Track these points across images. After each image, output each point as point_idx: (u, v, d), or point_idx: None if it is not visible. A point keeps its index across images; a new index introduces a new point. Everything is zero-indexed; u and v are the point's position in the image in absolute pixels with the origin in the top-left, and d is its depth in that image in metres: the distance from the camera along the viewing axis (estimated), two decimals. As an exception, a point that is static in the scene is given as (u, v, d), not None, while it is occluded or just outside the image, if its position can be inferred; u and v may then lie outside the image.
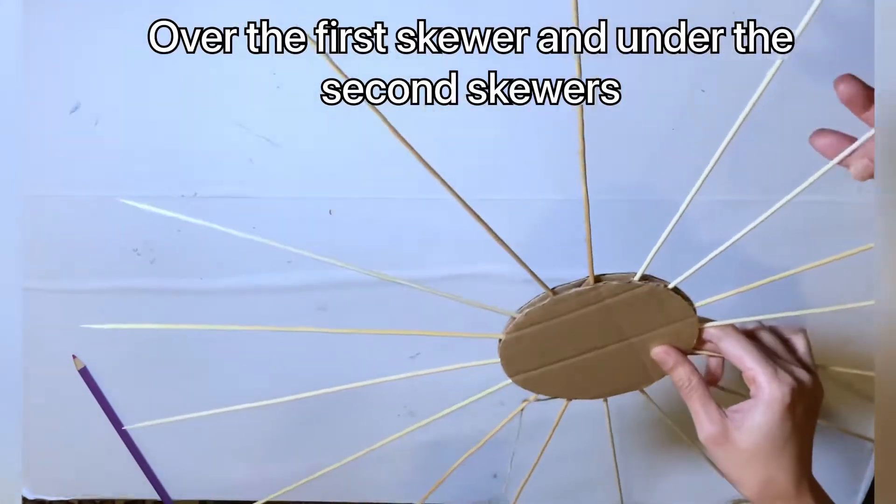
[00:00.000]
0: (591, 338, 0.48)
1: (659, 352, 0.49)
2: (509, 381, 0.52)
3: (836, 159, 0.41)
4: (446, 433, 0.80)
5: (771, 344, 0.49)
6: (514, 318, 0.48)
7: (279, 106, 0.70)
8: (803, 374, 0.46)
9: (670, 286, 0.47)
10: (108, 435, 0.83)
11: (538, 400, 0.53)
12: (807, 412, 0.46)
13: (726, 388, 0.52)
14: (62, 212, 0.73)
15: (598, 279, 0.46)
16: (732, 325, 0.48)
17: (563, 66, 0.42)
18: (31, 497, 0.87)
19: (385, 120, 0.37)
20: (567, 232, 0.71)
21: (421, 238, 0.73)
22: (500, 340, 0.49)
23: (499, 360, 0.50)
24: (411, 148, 0.38)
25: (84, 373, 0.80)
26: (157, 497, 0.86)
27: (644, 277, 0.46)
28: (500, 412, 0.79)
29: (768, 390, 0.45)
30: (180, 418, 0.45)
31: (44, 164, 0.71)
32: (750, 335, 0.49)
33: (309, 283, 0.74)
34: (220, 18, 0.70)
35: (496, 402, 0.80)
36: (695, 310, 0.48)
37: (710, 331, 0.49)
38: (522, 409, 0.54)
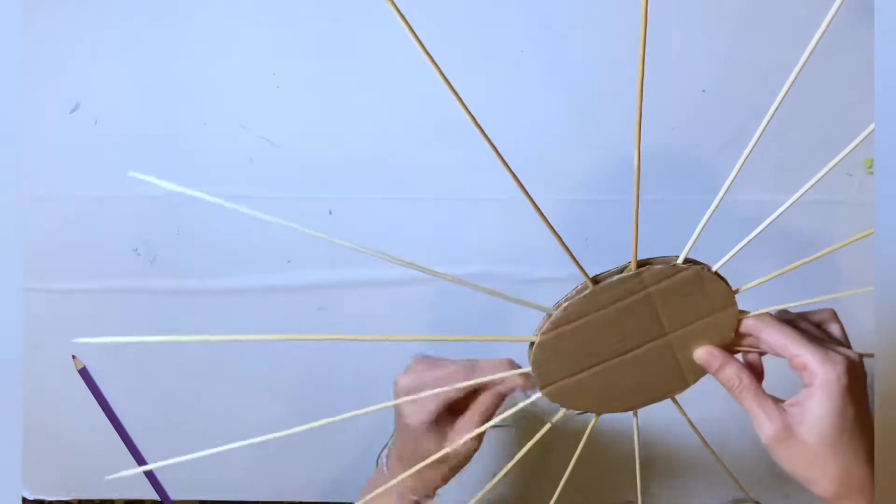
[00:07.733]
0: (631, 335, 0.44)
1: (703, 354, 0.45)
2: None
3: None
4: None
5: (810, 329, 0.46)
6: (549, 315, 0.43)
7: (279, 106, 0.70)
8: (852, 353, 0.43)
9: (713, 269, 0.44)
10: (108, 435, 0.83)
11: (566, 416, 0.47)
12: (865, 393, 0.42)
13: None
14: (62, 212, 0.73)
15: (640, 265, 0.43)
16: (769, 314, 0.45)
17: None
18: (30, 497, 0.87)
19: (472, 118, 0.35)
20: (567, 232, 0.71)
21: (420, 238, 0.73)
22: (531, 344, 0.44)
23: (527, 369, 0.45)
24: (495, 149, 0.36)
25: (84, 373, 0.80)
26: (156, 497, 0.86)
27: (687, 261, 0.44)
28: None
29: (822, 373, 0.41)
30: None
31: (44, 164, 0.72)
32: (787, 323, 0.45)
33: (309, 283, 0.74)
34: (219, 18, 0.70)
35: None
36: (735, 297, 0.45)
37: (747, 323, 0.45)
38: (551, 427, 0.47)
